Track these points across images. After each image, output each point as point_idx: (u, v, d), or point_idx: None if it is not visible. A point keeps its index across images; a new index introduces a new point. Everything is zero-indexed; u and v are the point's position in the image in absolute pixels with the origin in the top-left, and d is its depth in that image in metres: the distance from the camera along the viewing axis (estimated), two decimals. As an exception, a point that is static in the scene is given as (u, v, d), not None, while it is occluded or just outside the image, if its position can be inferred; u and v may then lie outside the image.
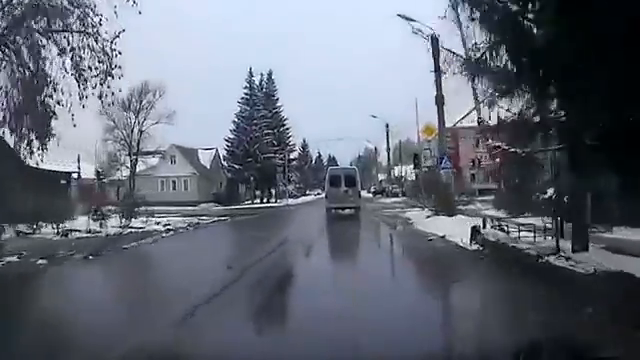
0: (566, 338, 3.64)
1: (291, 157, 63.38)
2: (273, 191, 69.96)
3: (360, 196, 31.45)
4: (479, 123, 18.98)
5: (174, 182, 61.08)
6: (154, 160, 61.46)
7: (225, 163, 57.88)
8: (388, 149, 55.80)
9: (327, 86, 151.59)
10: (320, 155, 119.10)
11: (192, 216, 30.16)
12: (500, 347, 4.00)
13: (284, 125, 62.21)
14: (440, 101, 24.68)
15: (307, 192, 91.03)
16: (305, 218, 30.53)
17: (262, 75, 62.10)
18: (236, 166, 56.30)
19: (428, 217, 22.76)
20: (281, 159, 57.07)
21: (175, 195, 60.34)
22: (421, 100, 45.90)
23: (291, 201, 59.06)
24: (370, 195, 74.80)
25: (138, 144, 57.59)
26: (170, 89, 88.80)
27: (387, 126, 55.92)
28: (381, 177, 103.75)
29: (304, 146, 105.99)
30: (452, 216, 20.52)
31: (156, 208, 27.31)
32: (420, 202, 29.46)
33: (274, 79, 63.87)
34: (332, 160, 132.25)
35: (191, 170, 60.03)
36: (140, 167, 61.28)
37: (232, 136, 57.62)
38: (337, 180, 29.57)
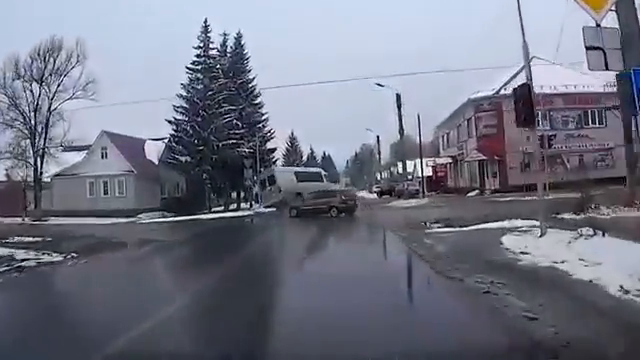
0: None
1: (268, 147, 46.74)
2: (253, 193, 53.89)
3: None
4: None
5: (105, 183, 44.44)
6: (81, 155, 45.18)
7: (168, 155, 41.01)
8: (400, 117, 39.03)
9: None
10: (313, 152, 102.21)
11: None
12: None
13: (256, 103, 45.48)
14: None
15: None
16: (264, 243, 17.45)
17: (226, 35, 45.45)
18: (181, 158, 39.63)
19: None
20: (251, 149, 40.49)
21: (107, 202, 43.80)
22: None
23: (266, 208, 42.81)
24: (373, 196, 57.95)
25: (46, 129, 41.11)
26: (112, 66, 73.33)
27: (398, 97, 39.19)
28: (379, 176, 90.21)
29: (292, 139, 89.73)
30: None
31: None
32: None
33: (244, 44, 47.28)
34: (327, 158, 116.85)
35: (128, 167, 43.36)
36: (64, 164, 45.21)
37: (178, 117, 40.92)
38: None
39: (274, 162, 50.98)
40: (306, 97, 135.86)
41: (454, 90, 55.72)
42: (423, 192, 40.67)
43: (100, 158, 44.45)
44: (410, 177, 69.15)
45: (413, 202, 33.56)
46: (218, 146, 38.72)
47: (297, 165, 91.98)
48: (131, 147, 45.38)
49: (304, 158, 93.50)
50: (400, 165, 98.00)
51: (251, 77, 46.69)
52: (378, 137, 68.34)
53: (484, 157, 38.00)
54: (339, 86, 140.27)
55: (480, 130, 39.40)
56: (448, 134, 51.36)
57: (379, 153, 70.85)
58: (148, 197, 43.99)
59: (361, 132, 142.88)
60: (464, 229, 14.06)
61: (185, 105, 40.63)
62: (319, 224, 21.82)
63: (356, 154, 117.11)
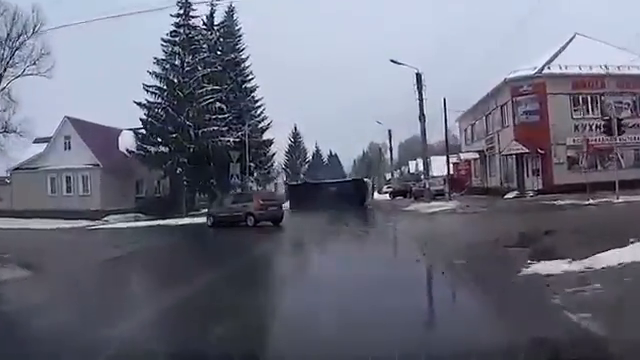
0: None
1: (263, 139, 39.71)
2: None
3: None
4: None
5: (68, 179, 37.58)
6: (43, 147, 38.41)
7: (137, 145, 33.90)
8: (422, 101, 31.22)
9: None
10: (319, 150, 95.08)
11: None
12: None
13: (249, 87, 38.38)
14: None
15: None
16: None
17: (213, 6, 38.31)
18: (151, 149, 32.64)
19: None
20: (237, 140, 33.50)
21: (70, 201, 36.97)
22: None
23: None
24: (385, 197, 50.69)
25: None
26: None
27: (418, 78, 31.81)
28: (388, 175, 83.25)
29: (295, 135, 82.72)
30: None
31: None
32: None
33: (237, 19, 40.22)
34: (333, 157, 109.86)
35: (93, 160, 36.43)
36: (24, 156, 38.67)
37: (150, 99, 33.84)
38: None
39: (271, 157, 44.03)
40: (312, 90, 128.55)
41: (479, 78, 48.55)
42: (450, 193, 33.34)
43: (63, 149, 37.69)
44: (431, 175, 62.40)
45: (439, 206, 26.35)
46: (197, 134, 31.72)
47: (301, 164, 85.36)
48: (101, 137, 38.31)
49: (309, 156, 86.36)
50: (412, 164, 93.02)
51: (243, 57, 39.69)
52: (390, 131, 61.22)
53: (526, 150, 30.70)
54: (348, 82, 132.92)
55: (519, 117, 32.11)
56: (473, 126, 44.01)
57: (391, 150, 63.79)
58: (118, 196, 37.00)
59: (368, 131, 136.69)
60: (594, 266, 6.86)
61: (159, 85, 33.62)
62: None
63: (364, 153, 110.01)
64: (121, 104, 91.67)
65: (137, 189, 40.93)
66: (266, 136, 41.31)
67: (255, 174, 49.95)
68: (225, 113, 32.88)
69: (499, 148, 35.41)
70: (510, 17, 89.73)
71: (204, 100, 32.13)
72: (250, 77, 40.10)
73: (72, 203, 36.64)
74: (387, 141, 64.90)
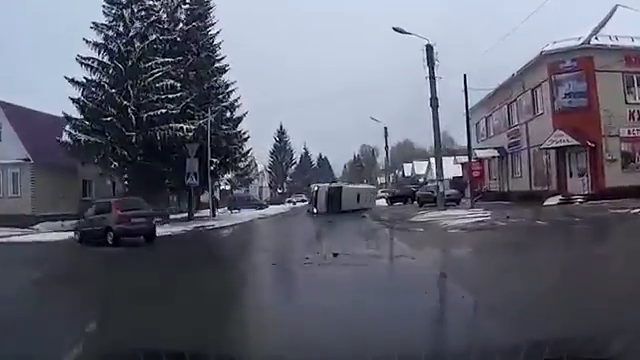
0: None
1: (236, 131, 32.31)
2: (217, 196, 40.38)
3: None
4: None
5: (-6, 176, 29.88)
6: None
7: (68, 134, 26.06)
8: (433, 78, 23.56)
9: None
10: (307, 152, 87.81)
11: None
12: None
13: (213, 59, 30.79)
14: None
15: (290, 198, 61.07)
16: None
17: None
18: (80, 137, 25.02)
19: None
20: (197, 129, 26.11)
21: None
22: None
23: (220, 221, 28.78)
24: (380, 203, 43.33)
25: None
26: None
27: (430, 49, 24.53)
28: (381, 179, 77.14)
29: (281, 134, 75.35)
30: None
31: None
32: None
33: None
34: (323, 160, 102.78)
35: (23, 154, 28.78)
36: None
37: (90, 75, 26.19)
38: None
39: (246, 154, 36.54)
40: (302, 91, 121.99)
41: (490, 65, 41.21)
42: (472, 198, 25.89)
43: (-11, 140, 30.01)
44: (431, 179, 55.17)
45: (461, 216, 19.11)
46: (140, 119, 24.17)
47: (287, 166, 78.07)
48: (38, 126, 30.56)
49: (295, 157, 78.94)
50: (407, 167, 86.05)
51: (214, 32, 32.09)
52: (386, 129, 53.98)
53: (575, 141, 23.50)
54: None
55: (559, 102, 24.97)
56: (487, 119, 36.83)
57: (387, 149, 56.55)
58: (57, 199, 29.45)
59: (360, 135, 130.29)
60: None
61: (98, 57, 26.07)
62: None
63: (355, 157, 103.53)
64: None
65: (84, 190, 33.48)
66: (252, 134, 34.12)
67: (230, 174, 42.68)
68: (178, 91, 25.29)
69: (529, 142, 28.24)
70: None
71: (151, 75, 24.62)
72: (220, 56, 32.61)
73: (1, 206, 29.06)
74: (379, 144, 58.27)
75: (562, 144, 23.65)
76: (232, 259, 12.36)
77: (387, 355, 3.54)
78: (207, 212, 36.33)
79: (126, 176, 24.96)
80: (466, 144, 44.65)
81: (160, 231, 21.96)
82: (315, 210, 33.82)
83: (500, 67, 36.92)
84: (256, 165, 72.82)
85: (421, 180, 64.40)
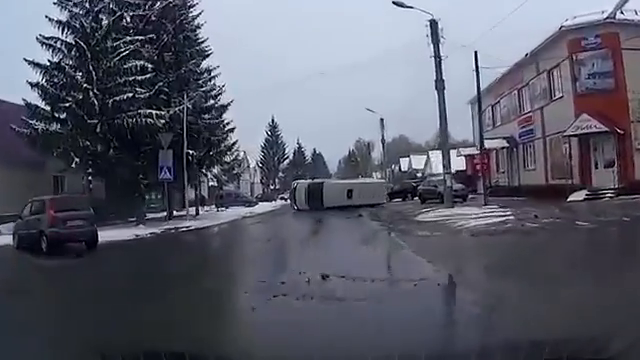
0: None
1: (219, 121, 29.34)
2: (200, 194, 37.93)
3: None
4: None
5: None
6: None
7: (25, 122, 22.78)
8: (438, 58, 20.54)
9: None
10: (301, 147, 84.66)
11: None
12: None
13: (191, 41, 27.63)
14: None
15: (282, 195, 58.29)
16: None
17: None
18: (37, 125, 21.90)
19: None
20: (174, 116, 23.11)
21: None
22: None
23: (200, 221, 25.87)
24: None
25: None
26: None
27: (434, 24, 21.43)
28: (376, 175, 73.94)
29: (273, 127, 72.16)
30: None
31: None
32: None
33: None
34: (318, 156, 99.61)
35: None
36: None
37: (51, 58, 23.01)
38: None
39: (231, 146, 33.51)
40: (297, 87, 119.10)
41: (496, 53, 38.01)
42: (485, 194, 22.83)
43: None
44: (430, 173, 52.11)
45: (475, 215, 16.18)
46: (107, 105, 21.04)
47: (279, 161, 74.86)
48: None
49: (288, 152, 75.73)
50: (404, 161, 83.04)
51: (196, 13, 28.89)
52: (382, 120, 50.92)
53: (604, 127, 20.57)
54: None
55: (582, 83, 22.05)
56: (494, 107, 33.88)
57: (383, 140, 53.58)
58: (25, 197, 26.31)
59: (355, 131, 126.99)
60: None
61: (62, 37, 22.90)
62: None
63: (349, 152, 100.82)
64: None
65: (55, 187, 30.30)
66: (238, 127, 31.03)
67: (215, 169, 39.52)
68: (148, 73, 22.14)
69: (544, 130, 25.33)
70: None
71: (117, 55, 21.48)
72: (202, 39, 29.44)
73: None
74: (374, 139, 55.34)
75: (589, 130, 20.71)
76: (176, 280, 8.50)
77: (387, 355, 3.18)
78: (193, 210, 33.44)
79: (90, 170, 21.76)
80: (465, 138, 41.95)
81: (124, 234, 19.03)
82: (295, 207, 32.81)
83: (507, 49, 34.22)
84: (248, 160, 69.83)
85: (419, 175, 61.40)
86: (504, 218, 14.67)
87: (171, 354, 2.58)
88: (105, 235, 18.57)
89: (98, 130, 21.04)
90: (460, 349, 3.91)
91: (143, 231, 20.45)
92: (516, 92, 29.20)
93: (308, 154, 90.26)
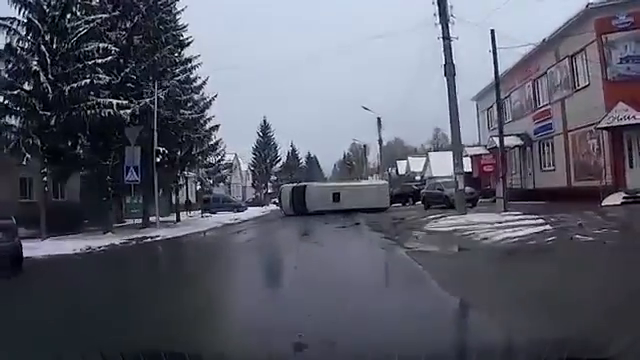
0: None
1: (199, 115, 26.44)
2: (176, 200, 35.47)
3: None
4: None
5: None
6: None
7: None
8: (447, 39, 17.71)
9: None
10: (295, 149, 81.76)
11: None
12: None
13: (168, 26, 24.66)
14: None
15: (274, 199, 54.92)
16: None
17: None
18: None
19: None
20: (144, 108, 20.18)
21: None
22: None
23: (175, 229, 23.07)
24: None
25: None
26: None
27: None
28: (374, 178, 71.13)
29: (265, 128, 69.09)
30: None
31: None
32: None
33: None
34: (312, 159, 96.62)
35: None
36: None
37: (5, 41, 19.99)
38: None
39: (215, 145, 30.55)
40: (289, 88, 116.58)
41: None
42: (505, 198, 19.66)
43: None
44: (431, 176, 49.03)
45: (497, 224, 13.25)
46: (64, 94, 17.97)
47: (272, 164, 71.70)
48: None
49: (281, 154, 72.61)
50: (401, 164, 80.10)
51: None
52: (379, 119, 48.09)
53: (643, 118, 17.66)
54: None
55: (613, 68, 19.15)
56: (504, 101, 30.88)
57: (380, 142, 50.84)
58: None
59: (350, 134, 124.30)
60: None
61: (18, 17, 19.84)
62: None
63: (345, 155, 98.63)
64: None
65: (22, 190, 27.13)
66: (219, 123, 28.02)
67: (197, 171, 36.45)
68: (111, 55, 19.09)
69: (565, 125, 22.44)
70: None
71: (76, 35, 18.46)
72: (182, 26, 26.48)
73: None
74: (369, 141, 52.62)
75: (628, 122, 17.77)
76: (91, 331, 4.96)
77: (387, 355, 2.78)
78: (180, 216, 30.63)
79: (45, 170, 18.66)
80: (470, 138, 39.07)
81: (80, 245, 15.91)
82: (283, 212, 31.75)
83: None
84: (239, 163, 66.76)
85: (417, 178, 58.39)
86: (540, 228, 11.67)
87: (171, 354, 2.36)
88: (54, 248, 15.54)
89: (52, 123, 17.95)
90: (460, 349, 3.53)
91: (105, 242, 17.38)
92: (530, 84, 26.35)
93: (303, 157, 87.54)
